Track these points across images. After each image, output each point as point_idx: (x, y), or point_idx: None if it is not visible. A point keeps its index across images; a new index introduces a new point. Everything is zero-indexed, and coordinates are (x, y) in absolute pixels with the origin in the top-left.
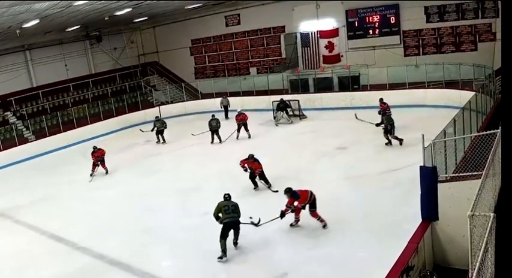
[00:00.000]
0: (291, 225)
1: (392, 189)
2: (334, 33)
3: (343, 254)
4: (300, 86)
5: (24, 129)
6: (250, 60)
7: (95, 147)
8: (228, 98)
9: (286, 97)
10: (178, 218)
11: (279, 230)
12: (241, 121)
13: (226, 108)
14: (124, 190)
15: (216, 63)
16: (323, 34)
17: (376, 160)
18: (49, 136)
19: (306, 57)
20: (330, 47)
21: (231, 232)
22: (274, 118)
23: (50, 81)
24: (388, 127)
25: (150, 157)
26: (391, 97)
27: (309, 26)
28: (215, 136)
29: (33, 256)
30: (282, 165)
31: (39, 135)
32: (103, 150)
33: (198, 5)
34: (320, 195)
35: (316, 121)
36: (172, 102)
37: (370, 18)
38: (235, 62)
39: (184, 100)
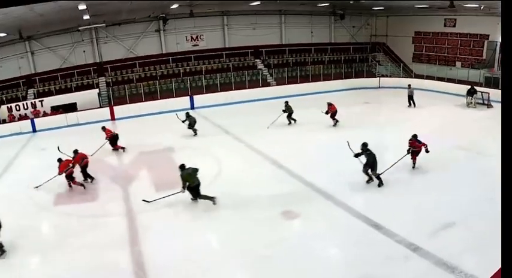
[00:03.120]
0: None
1: None
2: None
3: None
4: (492, 82)
5: (268, 76)
6: (458, 55)
7: (75, 151)
8: (413, 88)
9: (479, 89)
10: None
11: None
12: (331, 111)
13: (410, 98)
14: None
15: (431, 53)
16: None
17: None
18: (287, 84)
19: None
20: None
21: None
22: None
23: (296, 41)
24: (369, 164)
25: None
26: None
27: None
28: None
29: (255, 177)
30: (455, 144)
31: (280, 82)
32: (82, 154)
33: (426, 6)
34: (489, 169)
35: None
36: (390, 76)
37: None
38: (445, 54)
39: (400, 77)
